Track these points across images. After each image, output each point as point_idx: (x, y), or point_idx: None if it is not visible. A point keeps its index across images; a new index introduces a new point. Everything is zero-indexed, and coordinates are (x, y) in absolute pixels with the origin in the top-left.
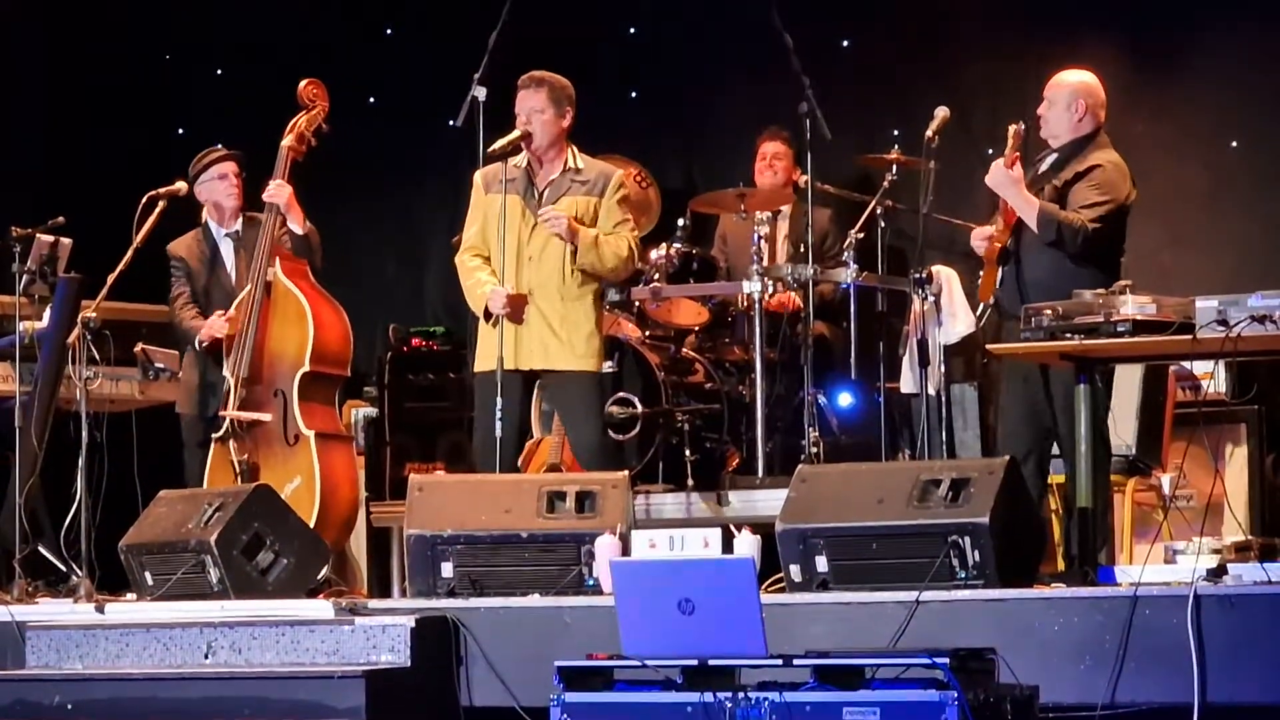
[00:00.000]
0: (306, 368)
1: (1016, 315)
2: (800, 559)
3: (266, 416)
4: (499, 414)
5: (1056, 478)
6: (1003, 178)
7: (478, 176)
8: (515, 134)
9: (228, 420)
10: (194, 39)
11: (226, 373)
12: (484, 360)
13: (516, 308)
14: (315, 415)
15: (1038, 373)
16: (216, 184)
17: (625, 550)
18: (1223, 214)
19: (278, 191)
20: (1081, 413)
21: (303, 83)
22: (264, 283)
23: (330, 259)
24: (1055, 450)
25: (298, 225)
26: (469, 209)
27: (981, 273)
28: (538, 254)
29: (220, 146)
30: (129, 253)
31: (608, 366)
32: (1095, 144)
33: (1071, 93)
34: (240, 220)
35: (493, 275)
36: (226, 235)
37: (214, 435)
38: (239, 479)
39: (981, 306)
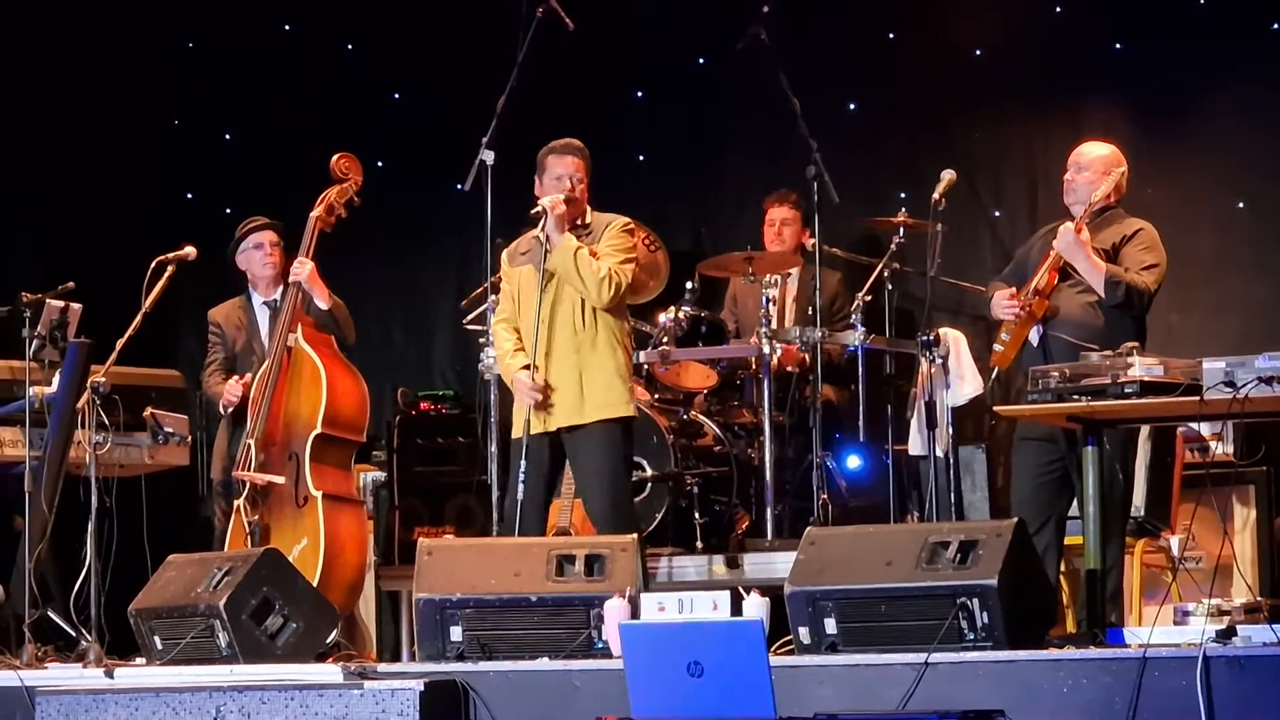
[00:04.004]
0: (319, 429)
1: None
2: (809, 621)
3: (279, 479)
4: (521, 477)
5: (1074, 539)
6: (1073, 242)
7: (504, 255)
8: (560, 196)
9: (244, 482)
10: (202, 104)
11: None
12: (516, 427)
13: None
14: (326, 478)
15: (1064, 436)
16: (253, 253)
17: (634, 613)
18: (1230, 275)
19: (299, 269)
20: (1089, 474)
21: (335, 156)
22: (285, 349)
23: None
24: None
25: (322, 301)
26: (503, 279)
27: (1005, 338)
28: (549, 316)
29: (259, 217)
30: (138, 318)
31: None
32: (1120, 212)
33: (1105, 163)
34: (280, 289)
35: (521, 352)
36: (264, 303)
37: (235, 499)
38: (250, 540)
39: (996, 371)
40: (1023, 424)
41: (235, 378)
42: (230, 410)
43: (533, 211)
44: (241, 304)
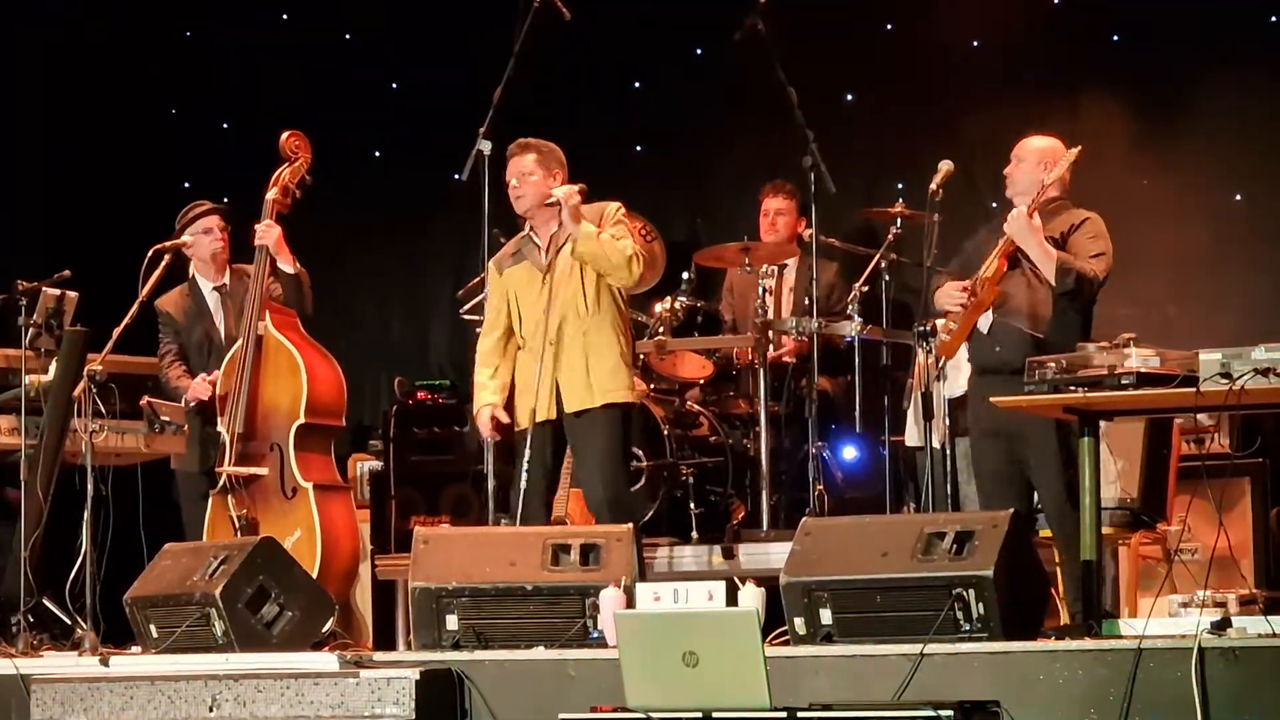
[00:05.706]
0: (301, 419)
1: (991, 369)
2: (804, 611)
3: (263, 471)
4: (525, 468)
5: (1044, 532)
6: (1025, 226)
7: (491, 264)
8: (574, 187)
9: (225, 476)
10: (199, 93)
11: (221, 428)
12: (521, 418)
13: None
14: (312, 467)
15: (1018, 431)
16: (202, 238)
17: (630, 603)
18: (1226, 267)
19: (266, 232)
20: (1085, 466)
21: (284, 135)
22: (255, 337)
23: (335, 312)
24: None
25: (288, 265)
26: (488, 292)
27: (952, 327)
28: (556, 305)
29: (204, 201)
30: (134, 306)
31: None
32: (1066, 203)
33: (1041, 154)
34: (227, 273)
35: (494, 386)
36: (214, 289)
37: (212, 490)
38: (238, 534)
39: (942, 360)
40: (977, 422)
41: (203, 376)
42: (191, 405)
43: (548, 203)
44: (187, 291)
